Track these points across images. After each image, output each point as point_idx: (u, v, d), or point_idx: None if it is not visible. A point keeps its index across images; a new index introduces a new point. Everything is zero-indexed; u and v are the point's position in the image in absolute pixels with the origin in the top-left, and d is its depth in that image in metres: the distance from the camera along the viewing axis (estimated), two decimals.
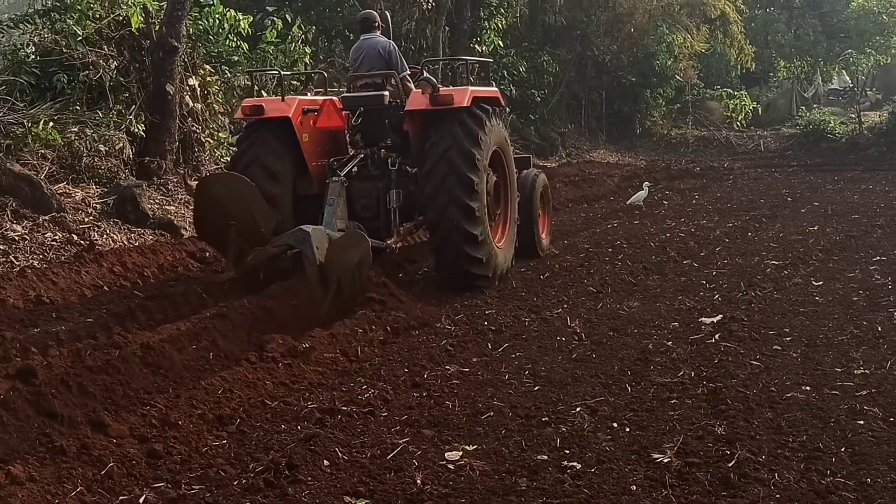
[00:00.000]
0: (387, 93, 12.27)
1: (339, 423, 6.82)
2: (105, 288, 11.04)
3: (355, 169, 11.78)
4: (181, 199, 15.20)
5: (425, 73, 12.39)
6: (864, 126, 33.01)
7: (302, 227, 10.12)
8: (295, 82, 19.91)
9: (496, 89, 12.84)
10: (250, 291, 10.14)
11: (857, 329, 9.11)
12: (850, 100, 41.03)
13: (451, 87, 11.80)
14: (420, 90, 11.56)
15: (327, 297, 9.48)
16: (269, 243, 10.35)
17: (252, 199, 10.48)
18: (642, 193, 19.27)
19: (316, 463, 6.05)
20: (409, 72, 12.75)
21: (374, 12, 13.56)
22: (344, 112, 12.39)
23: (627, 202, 19.53)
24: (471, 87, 11.70)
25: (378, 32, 12.87)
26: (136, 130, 15.19)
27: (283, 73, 13.14)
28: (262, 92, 16.43)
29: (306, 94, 12.92)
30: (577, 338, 9.20)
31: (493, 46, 28.70)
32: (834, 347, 8.54)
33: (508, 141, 12.90)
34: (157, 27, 15.79)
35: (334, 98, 12.59)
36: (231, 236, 10.23)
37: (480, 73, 14.76)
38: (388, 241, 11.65)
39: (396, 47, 12.86)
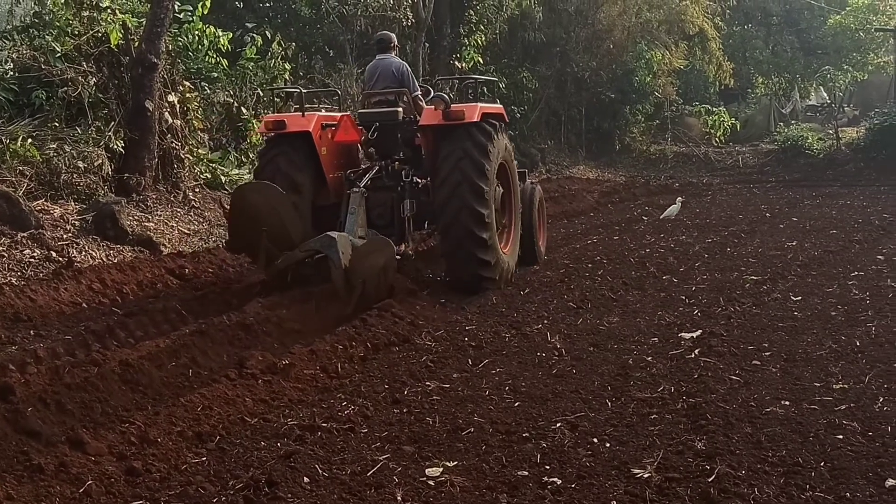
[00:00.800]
0: (400, 109, 13.01)
1: (319, 440, 6.79)
2: (84, 305, 11.00)
3: (369, 181, 12.51)
4: (160, 215, 15.17)
5: (432, 92, 13.53)
6: (842, 142, 33.23)
7: (328, 233, 10.89)
8: (276, 99, 19.90)
9: (501, 106, 13.63)
10: (278, 292, 11.02)
11: (835, 344, 9.13)
12: (828, 116, 41.32)
13: (461, 104, 12.50)
14: (433, 107, 12.21)
15: (352, 299, 10.36)
16: (297, 248, 11.16)
17: (283, 206, 11.29)
18: (675, 208, 19.27)
19: (296, 480, 6.02)
20: (420, 91, 13.60)
21: (391, 34, 14.20)
22: (359, 127, 13.02)
23: (661, 216, 19.45)
24: (479, 104, 12.47)
25: (393, 53, 13.69)
26: (115, 147, 15.17)
27: (303, 90, 13.59)
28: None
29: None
30: (557, 353, 9.19)
31: (472, 63, 28.81)
32: (813, 362, 8.56)
33: (513, 156, 13.73)
34: (137, 43, 15.79)
35: (350, 113, 13.39)
36: (262, 241, 11.03)
37: (485, 90, 15.42)
38: (403, 248, 12.33)
39: (409, 67, 13.72)
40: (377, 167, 12.79)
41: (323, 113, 13.37)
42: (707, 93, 40.86)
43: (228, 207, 11.66)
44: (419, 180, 12.71)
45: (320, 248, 10.86)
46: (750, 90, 44.27)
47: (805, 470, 5.98)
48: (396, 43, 14.01)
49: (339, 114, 13.20)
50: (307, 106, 12.97)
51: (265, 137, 13.12)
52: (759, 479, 5.83)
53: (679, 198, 20.52)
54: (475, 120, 12.06)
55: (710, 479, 5.79)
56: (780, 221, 19.00)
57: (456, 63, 28.29)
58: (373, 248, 10.89)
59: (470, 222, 11.76)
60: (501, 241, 12.83)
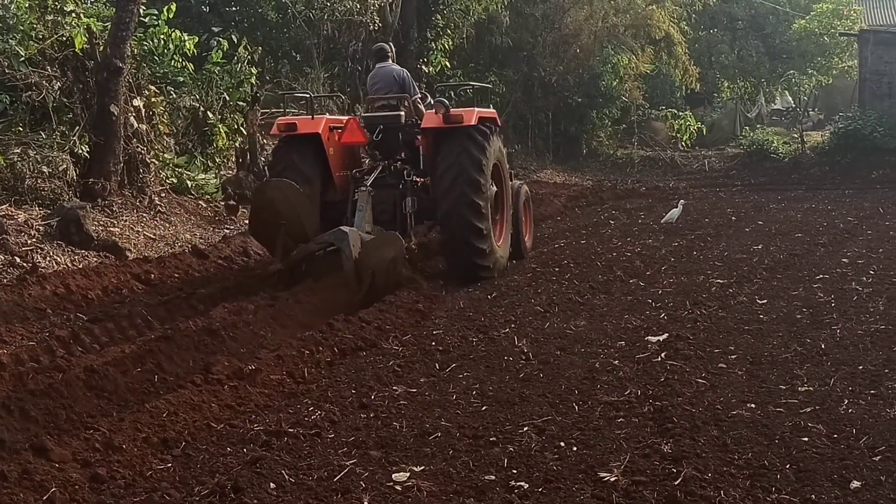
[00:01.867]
0: (403, 113, 14.07)
1: (286, 446, 6.76)
2: (48, 310, 10.92)
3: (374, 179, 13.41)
4: (126, 220, 15.09)
5: (429, 98, 14.75)
6: (807, 146, 33.48)
7: (341, 227, 11.94)
8: (241, 102, 19.92)
9: (494, 111, 14.70)
10: (294, 283, 12.06)
11: (800, 347, 9.18)
12: (793, 120, 41.63)
13: (460, 108, 13.71)
14: (434, 111, 13.30)
15: (362, 289, 11.39)
16: (312, 241, 12.22)
17: (299, 202, 12.38)
18: (676, 211, 19.26)
19: (262, 486, 5.99)
20: (419, 95, 14.75)
21: (385, 45, 15.29)
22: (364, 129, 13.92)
23: (662, 220, 19.40)
24: (476, 109, 13.59)
25: (390, 61, 14.75)
26: (80, 151, 15.07)
27: (313, 95, 15.00)
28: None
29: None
30: (524, 357, 9.19)
31: (440, 67, 28.82)
32: (778, 365, 8.60)
33: (505, 157, 14.76)
34: (102, 48, 15.69)
35: (355, 117, 14.61)
36: (280, 234, 12.14)
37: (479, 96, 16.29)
38: (405, 242, 12.81)
39: (409, 74, 14.80)
40: (381, 167, 13.62)
41: (329, 116, 14.47)
42: (673, 97, 41.02)
43: (250, 202, 12.92)
44: (418, 179, 13.61)
45: (333, 242, 11.85)
46: (716, 94, 44.54)
47: (771, 472, 6.00)
48: (393, 51, 15.00)
49: (345, 117, 14.45)
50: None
51: (277, 138, 13.99)
52: (725, 482, 5.85)
53: (681, 200, 20.49)
54: (473, 123, 13.08)
55: (676, 482, 5.81)
56: (746, 225, 19.09)
57: (423, 67, 28.29)
58: (382, 242, 11.97)
59: (468, 212, 12.74)
60: (495, 235, 13.77)
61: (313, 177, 13.21)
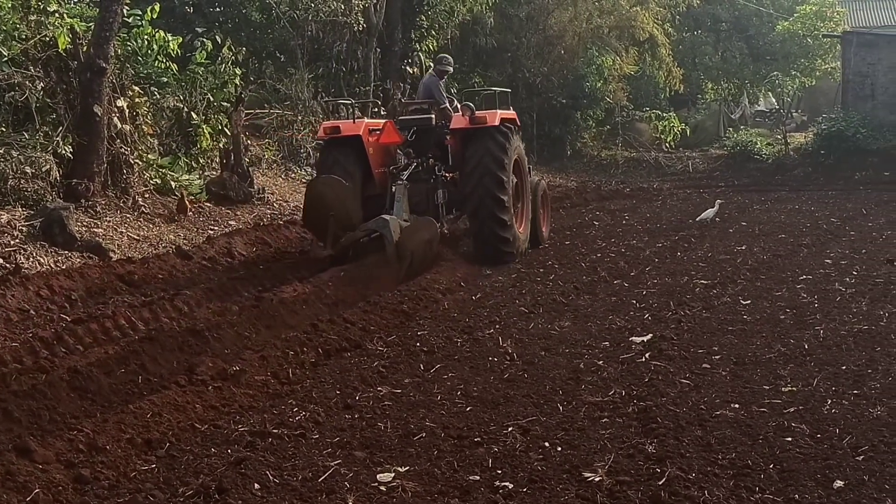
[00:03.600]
0: (433, 116, 15.94)
1: (270, 446, 6.76)
2: (31, 312, 10.88)
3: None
4: (109, 221, 15.04)
5: (456, 103, 16.30)
6: (790, 147, 33.55)
7: (382, 216, 13.80)
8: (225, 103, 19.90)
9: (514, 113, 16.42)
10: (342, 264, 13.61)
11: (784, 347, 9.21)
12: (777, 121, 41.69)
13: (484, 111, 15.14)
14: (461, 113, 15.09)
15: (402, 269, 13.09)
16: (357, 229, 13.89)
17: (346, 196, 14.01)
18: (712, 211, 19.27)
19: (246, 486, 5.98)
20: (447, 101, 16.31)
21: (444, 56, 17.27)
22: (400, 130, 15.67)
23: (697, 219, 19.41)
24: (499, 111, 15.16)
25: (430, 71, 17.22)
26: (64, 152, 15.01)
27: (353, 101, 17.74)
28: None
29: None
30: (508, 358, 9.20)
31: (424, 68, 28.79)
32: (762, 365, 8.63)
33: (524, 154, 16.45)
34: (85, 48, 15.64)
35: (391, 120, 16.14)
36: (329, 224, 13.67)
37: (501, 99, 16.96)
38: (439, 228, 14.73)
39: (440, 83, 16.62)
40: (414, 164, 15.32)
41: (368, 120, 16.33)
42: (657, 98, 41.04)
43: (304, 197, 14.66)
44: (447, 174, 15.45)
45: (376, 229, 13.63)
46: (699, 96, 44.57)
47: (754, 472, 6.02)
48: (444, 65, 16.85)
49: (382, 121, 16.14)
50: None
51: (323, 141, 15.73)
52: (709, 482, 5.87)
53: (718, 200, 20.51)
54: (496, 124, 14.72)
55: (660, 482, 5.83)
56: (730, 226, 19.13)
57: (407, 68, 28.29)
58: (420, 227, 13.93)
59: (493, 206, 14.43)
60: (516, 221, 15.36)
61: (355, 173, 14.76)
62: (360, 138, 14.95)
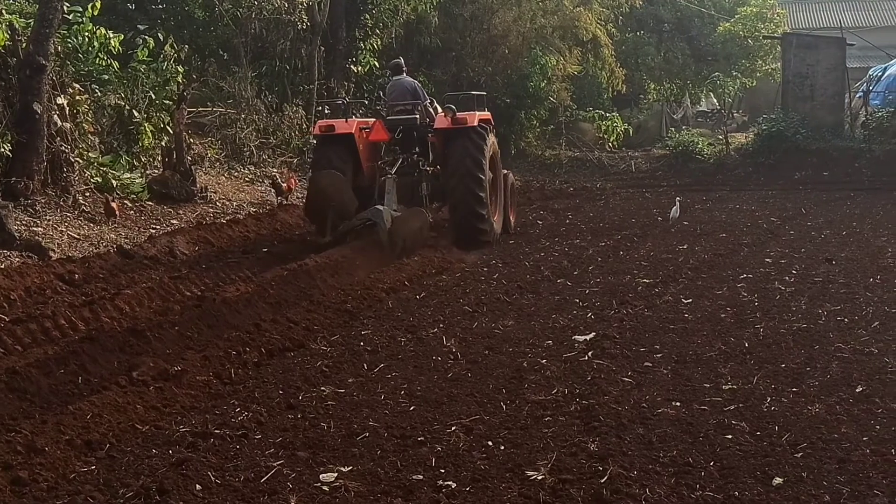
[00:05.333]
0: (418, 116, 17.29)
1: (212, 447, 6.72)
2: None
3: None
4: (49, 220, 14.87)
5: (436, 105, 17.79)
6: (731, 147, 33.75)
7: (376, 206, 15.43)
8: (167, 101, 19.74)
9: (489, 114, 18.14)
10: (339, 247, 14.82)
11: (724, 345, 9.31)
12: (718, 121, 42.10)
13: (464, 112, 16.63)
14: (443, 114, 16.61)
15: (394, 253, 14.58)
16: (353, 218, 15.63)
17: (343, 188, 15.68)
18: (676, 209, 19.24)
19: (188, 487, 5.95)
20: (429, 100, 17.87)
21: (401, 61, 18.69)
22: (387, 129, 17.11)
23: (669, 221, 19.39)
24: (476, 112, 16.83)
25: (404, 74, 18.22)
26: (2, 150, 14.83)
27: (347, 100, 19.79)
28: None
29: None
30: (452, 357, 9.22)
31: (368, 67, 28.74)
32: (703, 363, 8.71)
33: (498, 149, 18.26)
34: (24, 45, 15.47)
35: (380, 120, 17.30)
36: (329, 214, 15.44)
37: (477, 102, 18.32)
38: None
39: (419, 84, 18.47)
40: (401, 159, 16.94)
41: (358, 118, 17.94)
42: (600, 98, 41.10)
43: (306, 190, 16.64)
44: (430, 169, 17.10)
45: (371, 218, 15.28)
46: (642, 96, 44.77)
47: (695, 470, 6.08)
48: (404, 66, 18.44)
49: (371, 120, 17.50)
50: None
51: (317, 137, 17.45)
52: (651, 480, 5.92)
53: (678, 198, 20.52)
54: (474, 124, 16.28)
55: (602, 481, 5.87)
56: (672, 225, 19.27)
57: (352, 67, 28.20)
58: (411, 215, 15.68)
59: (472, 202, 16.05)
60: (492, 212, 16.91)
61: (346, 168, 16.29)
62: (352, 136, 16.53)
